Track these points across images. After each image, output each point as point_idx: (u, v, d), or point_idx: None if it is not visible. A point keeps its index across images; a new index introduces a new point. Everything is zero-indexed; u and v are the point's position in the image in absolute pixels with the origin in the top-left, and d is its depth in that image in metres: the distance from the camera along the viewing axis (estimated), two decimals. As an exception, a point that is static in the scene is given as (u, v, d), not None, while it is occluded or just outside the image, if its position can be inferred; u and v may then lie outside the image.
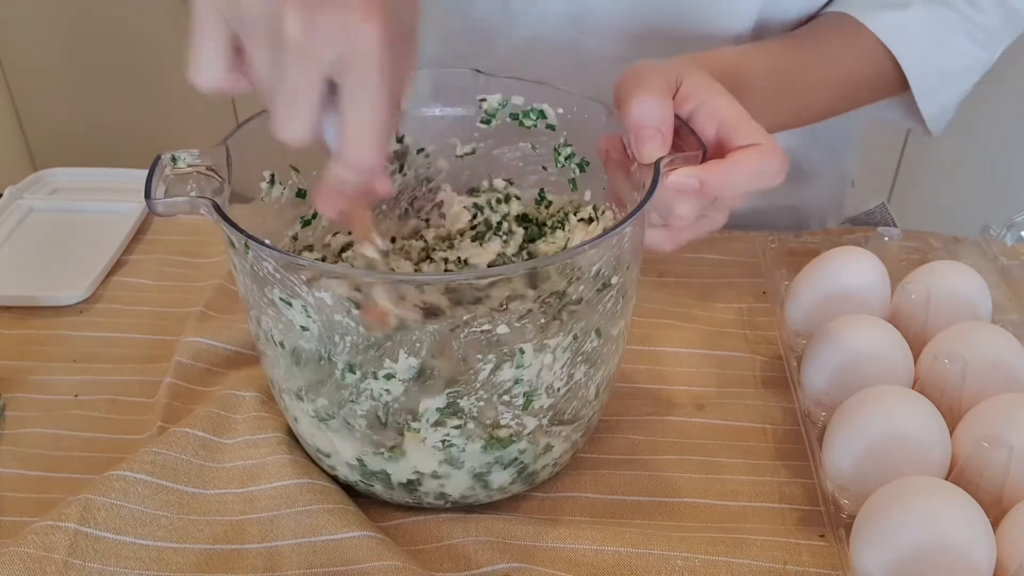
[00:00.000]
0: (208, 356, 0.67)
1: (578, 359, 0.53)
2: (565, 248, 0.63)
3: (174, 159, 0.51)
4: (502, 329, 0.49)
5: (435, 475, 0.54)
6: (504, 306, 0.51)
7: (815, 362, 0.63)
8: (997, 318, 0.68)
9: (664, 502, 0.58)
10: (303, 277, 0.48)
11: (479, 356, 0.50)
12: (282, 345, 0.52)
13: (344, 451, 0.55)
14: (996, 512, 0.52)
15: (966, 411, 0.57)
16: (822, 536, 0.56)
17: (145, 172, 0.51)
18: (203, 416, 0.60)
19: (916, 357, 0.62)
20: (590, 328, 0.52)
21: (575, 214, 0.63)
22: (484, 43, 0.83)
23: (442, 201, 0.66)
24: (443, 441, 0.52)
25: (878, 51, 0.73)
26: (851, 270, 0.67)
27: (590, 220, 0.62)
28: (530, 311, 0.50)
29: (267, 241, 0.48)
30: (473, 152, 0.65)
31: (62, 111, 1.95)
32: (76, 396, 0.66)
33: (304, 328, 0.50)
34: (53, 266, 0.78)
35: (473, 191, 0.66)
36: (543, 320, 0.50)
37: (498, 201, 0.66)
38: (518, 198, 0.66)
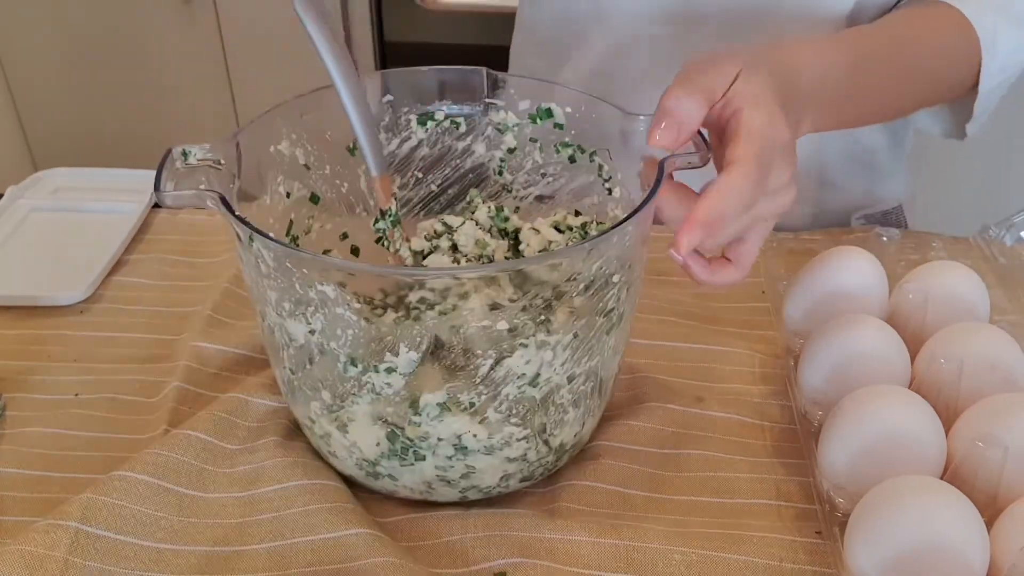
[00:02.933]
0: (217, 360, 0.67)
1: (581, 356, 0.53)
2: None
3: (185, 153, 0.52)
4: (502, 325, 0.49)
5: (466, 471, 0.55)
6: (497, 304, 0.51)
7: (812, 361, 0.63)
8: (995, 318, 0.68)
9: (661, 498, 0.59)
10: (304, 271, 0.48)
11: (479, 352, 0.50)
12: (286, 341, 0.52)
13: (362, 447, 0.55)
14: (991, 512, 0.52)
15: (962, 411, 0.57)
16: (818, 533, 0.56)
17: (147, 172, 0.51)
18: (205, 419, 0.60)
19: (913, 357, 0.62)
20: (592, 325, 0.52)
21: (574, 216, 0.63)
22: (580, 46, 0.83)
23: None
24: (457, 436, 0.53)
25: (967, 46, 0.70)
26: (849, 270, 0.67)
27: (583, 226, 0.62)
28: (526, 308, 0.50)
29: (271, 234, 0.48)
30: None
31: (62, 111, 1.95)
32: (76, 396, 0.66)
33: (307, 322, 0.50)
34: (54, 266, 0.78)
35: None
36: (542, 317, 0.50)
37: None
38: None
